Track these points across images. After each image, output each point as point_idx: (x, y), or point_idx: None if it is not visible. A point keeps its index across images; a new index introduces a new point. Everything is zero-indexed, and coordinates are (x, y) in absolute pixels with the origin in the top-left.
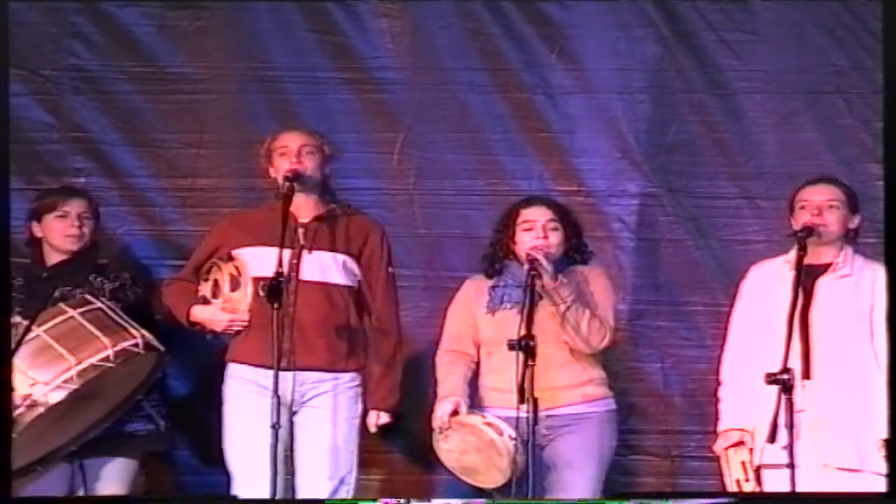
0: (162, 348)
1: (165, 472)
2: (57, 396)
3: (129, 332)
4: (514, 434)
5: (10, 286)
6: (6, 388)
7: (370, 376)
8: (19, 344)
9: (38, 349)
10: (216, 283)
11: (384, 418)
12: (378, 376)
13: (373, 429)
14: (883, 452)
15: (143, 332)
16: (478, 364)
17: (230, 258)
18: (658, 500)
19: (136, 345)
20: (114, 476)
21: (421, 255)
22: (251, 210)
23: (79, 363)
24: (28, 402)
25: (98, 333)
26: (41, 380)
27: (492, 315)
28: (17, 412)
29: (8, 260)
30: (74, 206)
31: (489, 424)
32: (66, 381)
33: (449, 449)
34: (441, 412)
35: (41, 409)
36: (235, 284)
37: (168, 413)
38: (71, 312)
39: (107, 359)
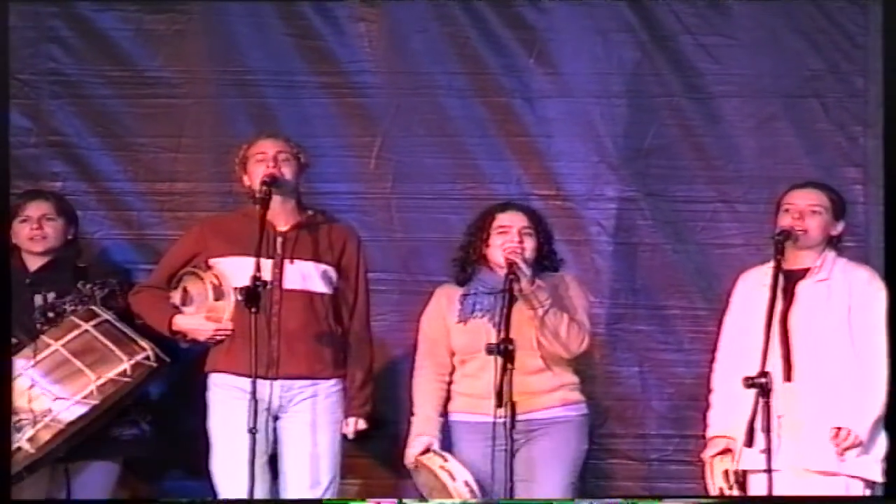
0: (168, 360)
1: (148, 478)
2: (78, 411)
3: (139, 344)
4: (470, 480)
5: (9, 287)
6: (6, 387)
7: (351, 382)
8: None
9: (57, 364)
10: (185, 291)
11: (362, 425)
12: (359, 383)
13: (351, 435)
14: (845, 445)
15: (149, 342)
16: (452, 371)
17: (209, 267)
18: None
19: (148, 357)
20: (95, 479)
21: (398, 260)
22: (225, 215)
23: (98, 378)
24: (49, 417)
25: (113, 347)
26: (62, 395)
27: (464, 324)
28: (36, 428)
29: (8, 261)
30: (34, 209)
31: (444, 469)
32: (86, 397)
33: (419, 483)
34: (412, 451)
35: (62, 426)
36: (219, 294)
37: (153, 419)
38: (85, 326)
39: (124, 373)
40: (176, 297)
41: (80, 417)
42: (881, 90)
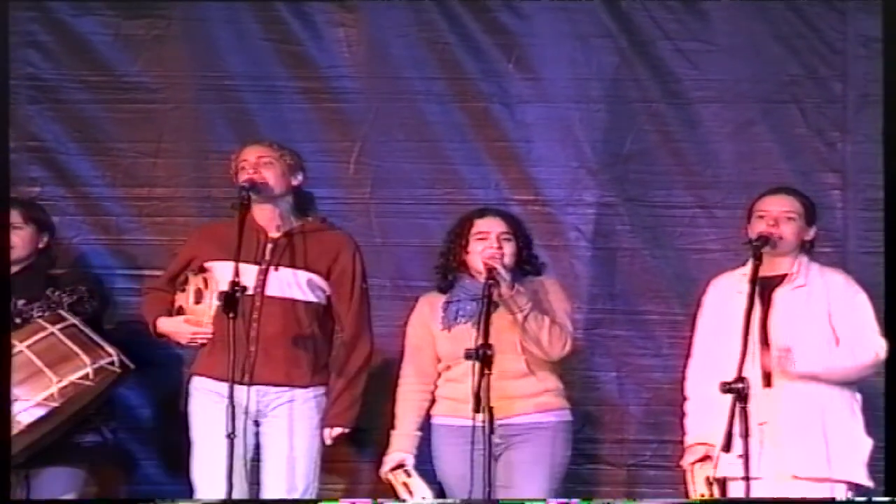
0: (132, 366)
1: (122, 483)
2: (37, 413)
3: (104, 349)
4: (428, 498)
5: (9, 288)
6: (6, 387)
7: (331, 390)
8: None
9: (20, 365)
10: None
11: (337, 432)
12: (338, 391)
13: (328, 441)
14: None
15: (114, 348)
16: (437, 380)
17: (202, 270)
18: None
19: (112, 363)
20: (56, 486)
21: (377, 265)
22: (224, 221)
23: (59, 380)
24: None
25: (77, 351)
26: (23, 397)
27: (448, 331)
28: None
29: (8, 264)
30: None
31: (405, 485)
32: (46, 399)
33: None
34: (385, 467)
35: (23, 427)
36: (199, 297)
37: (118, 426)
38: (50, 329)
39: (86, 376)
40: (182, 299)
41: (40, 420)
42: (882, 93)
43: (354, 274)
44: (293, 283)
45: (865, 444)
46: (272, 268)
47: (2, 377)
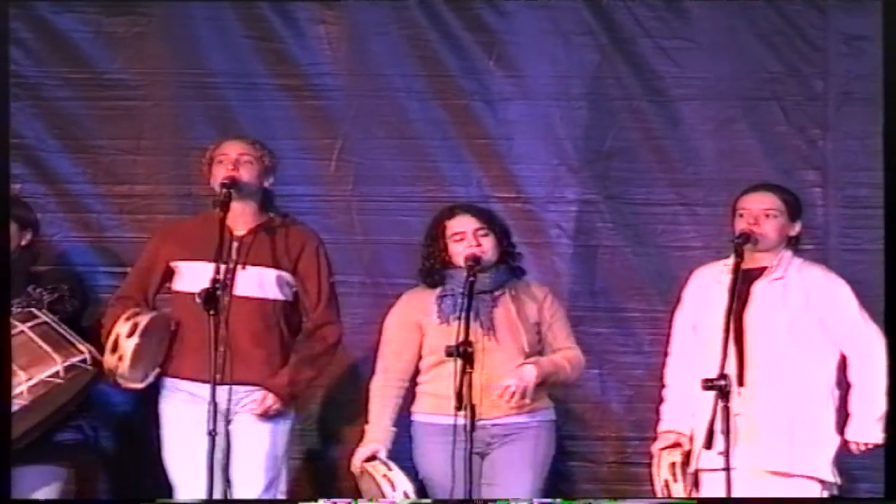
0: None
1: (104, 481)
2: None
3: (76, 347)
4: (410, 491)
5: (9, 287)
6: (6, 388)
7: (283, 363)
8: None
9: None
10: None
11: (270, 401)
12: (290, 364)
13: (258, 410)
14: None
15: (89, 346)
16: (413, 378)
17: (167, 274)
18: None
19: (84, 360)
20: (36, 483)
21: (359, 262)
22: (187, 220)
23: (29, 379)
24: None
25: (48, 349)
26: None
27: (447, 324)
28: None
29: (8, 261)
30: None
31: (386, 478)
32: (15, 397)
33: (362, 489)
34: (358, 457)
35: None
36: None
37: (99, 424)
38: (21, 327)
39: (56, 374)
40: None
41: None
42: (882, 91)
43: (320, 268)
44: (264, 282)
45: (832, 442)
46: (239, 266)
47: (1, 377)
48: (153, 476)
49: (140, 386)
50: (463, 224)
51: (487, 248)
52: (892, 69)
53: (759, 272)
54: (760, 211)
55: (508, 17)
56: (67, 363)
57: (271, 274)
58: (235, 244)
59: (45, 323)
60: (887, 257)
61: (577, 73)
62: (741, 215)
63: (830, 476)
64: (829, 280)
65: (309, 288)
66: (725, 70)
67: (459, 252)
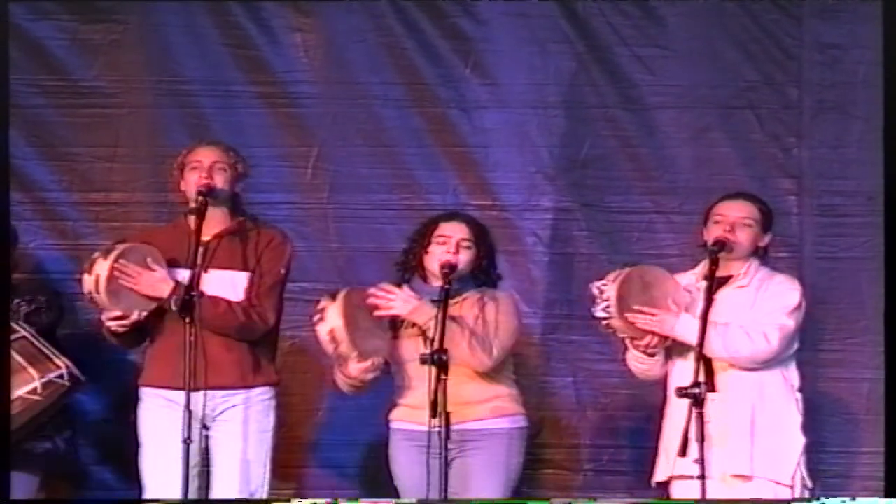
0: (83, 378)
1: (75, 490)
2: None
3: (53, 361)
4: (338, 329)
5: (9, 286)
6: (6, 388)
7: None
8: None
9: None
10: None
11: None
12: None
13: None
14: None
15: (66, 360)
16: None
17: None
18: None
19: (62, 376)
20: (12, 489)
21: (334, 270)
22: (156, 229)
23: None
24: None
25: (25, 364)
26: None
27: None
28: None
29: (8, 264)
30: None
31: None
32: None
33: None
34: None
35: None
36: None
37: (72, 434)
38: None
39: (34, 391)
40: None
41: None
42: (882, 95)
43: (278, 259)
44: (227, 285)
45: (796, 444)
46: (202, 271)
47: (1, 377)
48: (125, 484)
49: (120, 323)
50: (453, 229)
51: (464, 260)
52: (891, 75)
53: (725, 280)
54: (737, 219)
55: (485, 24)
56: (45, 379)
57: (234, 276)
58: (202, 249)
59: (23, 337)
60: (888, 258)
61: (554, 81)
62: (717, 222)
63: (788, 479)
64: (782, 282)
65: (263, 272)
66: (701, 78)
67: (437, 255)
